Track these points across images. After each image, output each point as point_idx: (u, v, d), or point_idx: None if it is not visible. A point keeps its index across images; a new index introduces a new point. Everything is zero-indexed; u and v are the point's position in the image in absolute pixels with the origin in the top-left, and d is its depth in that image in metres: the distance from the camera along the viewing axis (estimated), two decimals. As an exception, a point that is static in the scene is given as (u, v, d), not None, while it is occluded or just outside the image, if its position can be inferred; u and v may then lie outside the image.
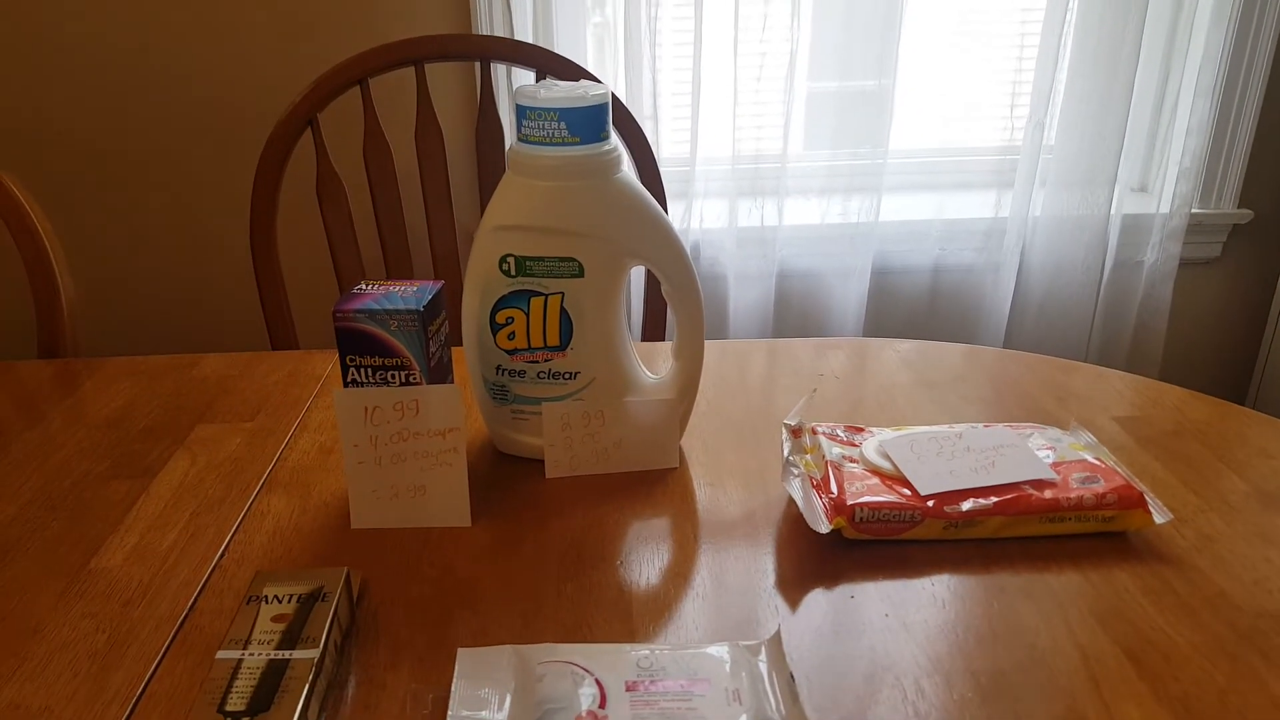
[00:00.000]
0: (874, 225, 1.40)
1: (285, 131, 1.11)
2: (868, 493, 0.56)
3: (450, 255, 1.19)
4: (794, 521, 0.59)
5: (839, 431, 0.64)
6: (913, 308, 1.49)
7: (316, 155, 1.11)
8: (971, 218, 1.44)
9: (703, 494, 0.62)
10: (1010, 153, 1.43)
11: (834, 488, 0.57)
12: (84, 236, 1.51)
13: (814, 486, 0.58)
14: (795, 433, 0.63)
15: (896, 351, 0.84)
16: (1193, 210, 1.45)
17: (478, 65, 1.31)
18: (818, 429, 0.64)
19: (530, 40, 1.39)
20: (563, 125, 0.58)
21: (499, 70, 1.39)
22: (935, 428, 0.63)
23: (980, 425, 0.64)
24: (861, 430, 0.64)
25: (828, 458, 0.60)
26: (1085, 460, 0.59)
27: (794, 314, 1.48)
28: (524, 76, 1.39)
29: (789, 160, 1.39)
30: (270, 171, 1.10)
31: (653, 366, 0.68)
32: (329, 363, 0.83)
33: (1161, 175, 1.45)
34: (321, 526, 0.60)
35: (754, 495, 0.62)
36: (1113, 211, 1.41)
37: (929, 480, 0.57)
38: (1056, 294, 1.44)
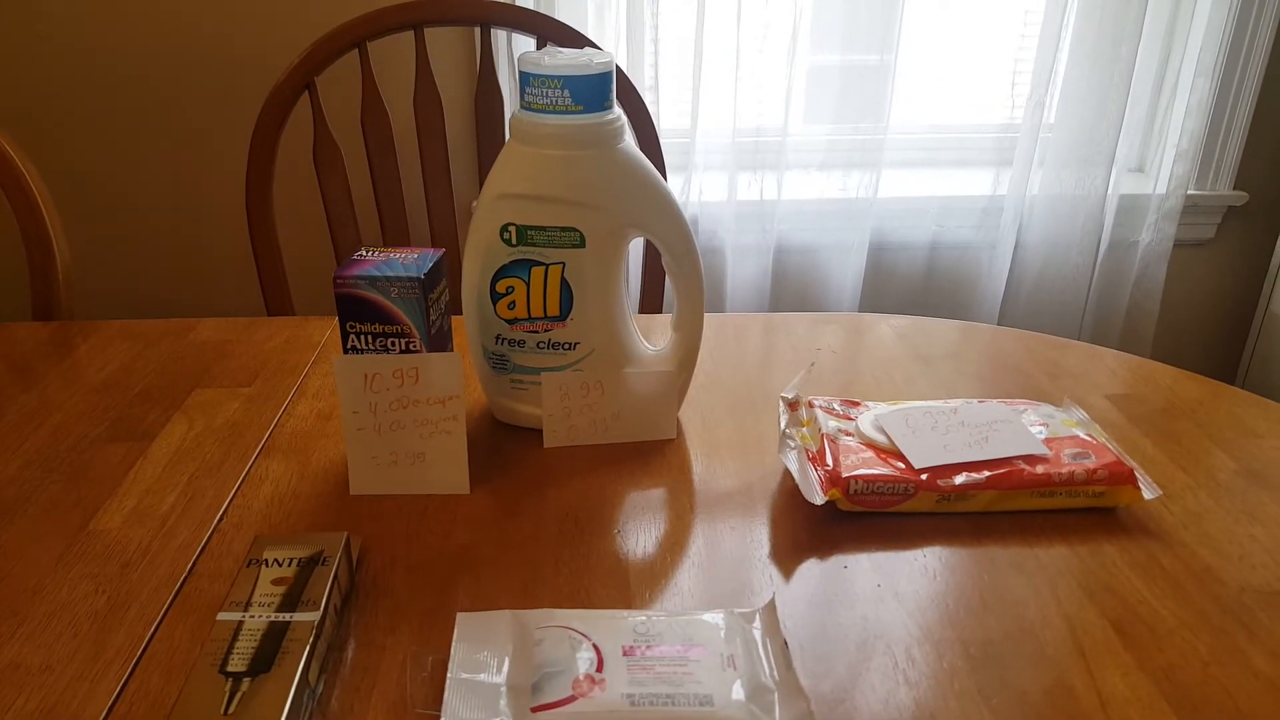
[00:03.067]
0: (872, 201, 1.40)
1: (282, 95, 1.10)
2: (862, 466, 0.56)
3: (448, 225, 1.19)
4: (789, 493, 0.59)
5: (835, 405, 0.64)
6: (909, 284, 1.49)
7: (314, 121, 1.10)
8: (970, 195, 1.44)
9: (699, 465, 0.63)
10: (1010, 130, 1.43)
11: (829, 460, 0.57)
12: (78, 199, 1.50)
13: (810, 459, 0.59)
14: (792, 406, 0.63)
15: (892, 327, 0.84)
16: (1189, 192, 1.45)
17: (478, 31, 1.30)
18: (814, 402, 0.64)
19: (531, 6, 1.37)
20: (566, 93, 0.57)
21: (499, 37, 1.38)
22: (930, 403, 0.64)
23: (975, 401, 0.64)
24: (858, 404, 0.65)
25: (824, 431, 0.60)
26: (1077, 436, 0.60)
27: (791, 289, 1.48)
28: (525, 43, 1.38)
29: (789, 134, 1.39)
30: (266, 136, 1.09)
31: (651, 339, 0.68)
32: (327, 329, 0.83)
33: (1159, 156, 1.45)
34: (320, 492, 0.60)
35: (750, 467, 0.62)
36: (1109, 191, 1.41)
37: (923, 454, 0.57)
38: (1051, 273, 1.44)
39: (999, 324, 1.48)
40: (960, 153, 1.50)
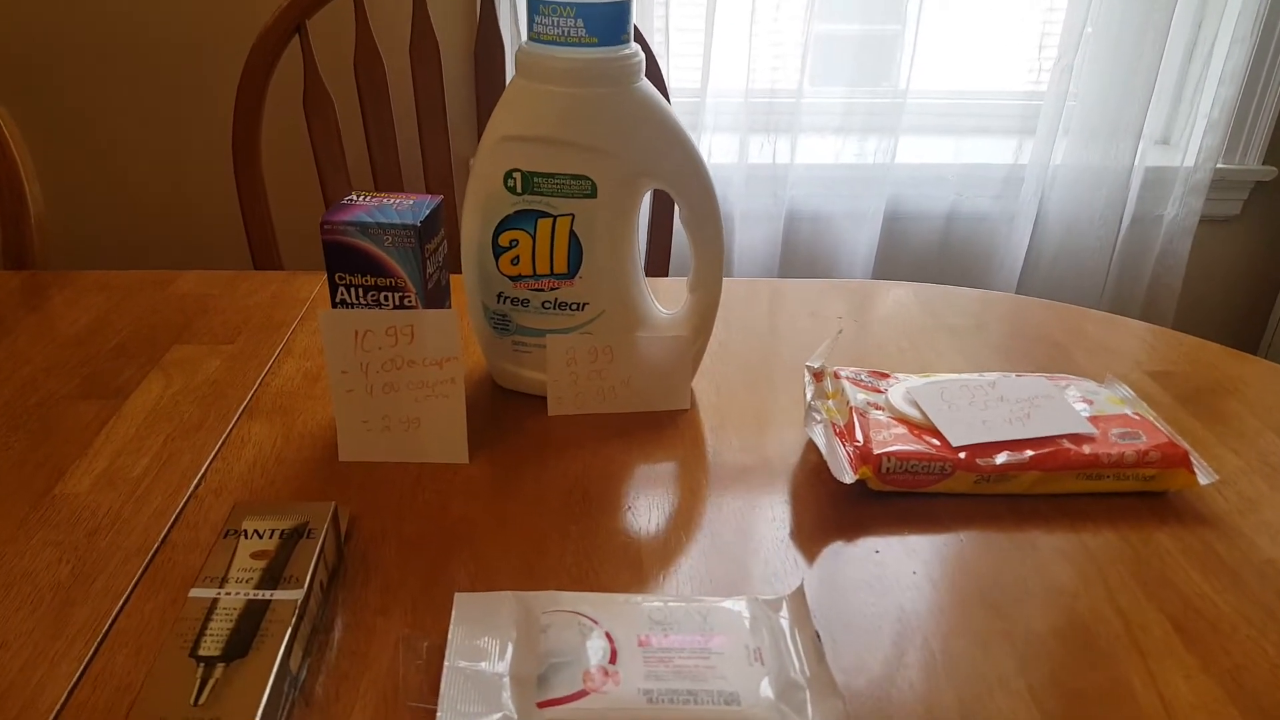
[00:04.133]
0: (889, 167, 1.34)
1: (271, 38, 1.03)
2: (895, 442, 0.52)
3: (444, 179, 1.13)
4: (812, 470, 0.55)
5: (863, 376, 0.60)
6: (923, 254, 1.44)
7: (304, 66, 1.04)
8: (990, 163, 1.39)
9: (714, 438, 0.59)
10: (1034, 98, 1.37)
11: (859, 435, 0.53)
12: (54, 142, 1.43)
13: (837, 434, 0.54)
14: (817, 376, 0.59)
15: (913, 293, 0.80)
16: (1217, 165, 1.40)
17: (479, -24, 1.23)
18: (840, 373, 0.60)
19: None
20: (580, 23, 0.52)
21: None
22: (966, 375, 0.59)
23: (1012, 375, 0.60)
24: (886, 376, 0.60)
25: (852, 404, 0.56)
26: (1124, 415, 0.56)
27: (801, 256, 1.43)
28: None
29: (804, 96, 1.33)
30: (254, 80, 1.03)
31: (660, 303, 0.63)
32: (316, 285, 0.78)
33: (1189, 127, 1.39)
34: (306, 458, 0.56)
35: (768, 441, 0.58)
36: (1135, 163, 1.35)
37: (961, 430, 0.53)
38: (1071, 246, 1.39)
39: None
40: (981, 120, 1.44)
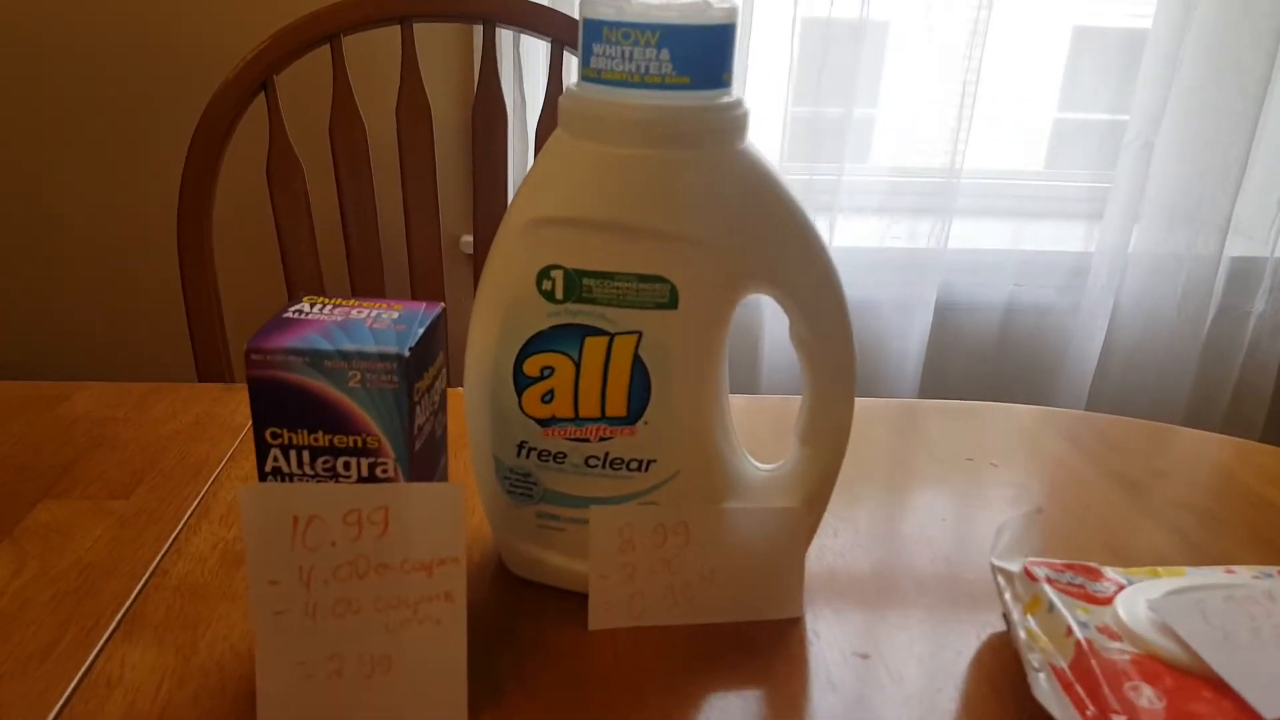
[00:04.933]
0: (941, 252, 1.18)
1: (232, 95, 0.86)
2: (1171, 712, 0.32)
3: (433, 271, 0.95)
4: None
5: (1067, 577, 0.40)
6: (979, 348, 1.26)
7: (270, 127, 0.87)
8: (1054, 250, 1.23)
9: (848, 669, 0.38)
10: (1101, 180, 1.22)
11: (1108, 698, 0.33)
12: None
13: (1063, 685, 0.34)
14: (1006, 577, 0.39)
15: (1056, 427, 0.61)
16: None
17: (479, 29, 1.07)
18: (1034, 570, 0.40)
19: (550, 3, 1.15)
20: (664, 55, 0.34)
21: (505, 38, 1.15)
22: (1212, 572, 0.40)
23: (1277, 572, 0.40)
24: (1095, 573, 0.41)
25: (1076, 633, 0.36)
26: None
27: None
28: (536, 47, 1.15)
29: (844, 173, 1.17)
30: (209, 144, 0.85)
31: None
32: (259, 407, 0.58)
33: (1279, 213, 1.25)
34: (211, 712, 0.35)
35: (932, 668, 0.38)
36: (1220, 253, 1.20)
37: (1264, 686, 0.33)
38: (1147, 344, 1.22)
39: (1088, 404, 1.25)
40: (1041, 202, 1.28)
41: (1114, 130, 1.21)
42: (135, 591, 0.41)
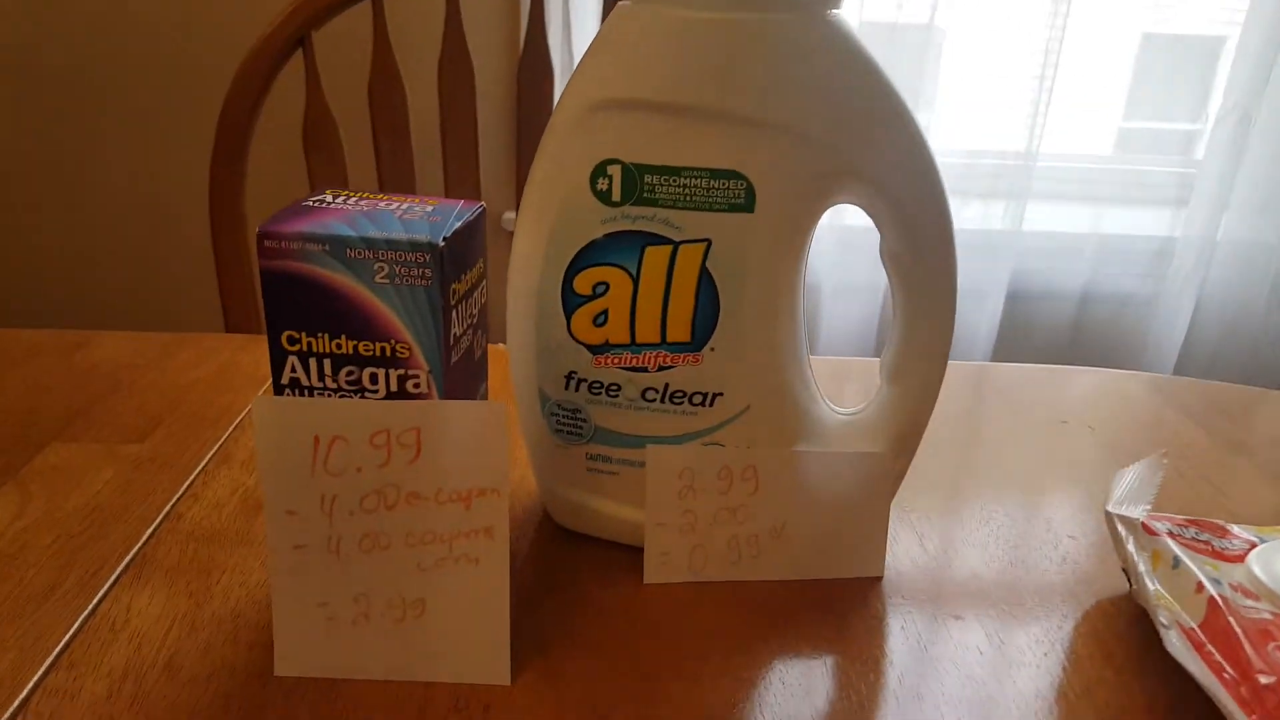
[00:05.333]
0: (1015, 235, 1.11)
1: (267, 52, 0.83)
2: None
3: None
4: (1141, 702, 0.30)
5: (1190, 532, 0.35)
6: (1053, 339, 1.19)
7: (307, 88, 0.84)
8: (1136, 235, 1.15)
9: (930, 629, 0.33)
10: (1188, 164, 1.15)
11: (1250, 655, 0.28)
12: None
13: (1193, 644, 0.29)
14: (1129, 526, 0.34)
15: (1154, 388, 0.55)
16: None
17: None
18: (1153, 525, 0.34)
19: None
20: (741, -95, 0.29)
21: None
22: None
23: None
24: (1221, 530, 0.35)
25: (1208, 588, 0.30)
26: None
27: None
28: (584, 8, 1.11)
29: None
30: (243, 104, 0.82)
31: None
32: (287, 357, 0.54)
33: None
34: (224, 661, 0.31)
35: (1039, 639, 0.33)
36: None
37: None
38: (1234, 339, 1.14)
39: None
40: (1121, 188, 1.21)
41: (1207, 110, 1.13)
42: (145, 535, 0.37)
